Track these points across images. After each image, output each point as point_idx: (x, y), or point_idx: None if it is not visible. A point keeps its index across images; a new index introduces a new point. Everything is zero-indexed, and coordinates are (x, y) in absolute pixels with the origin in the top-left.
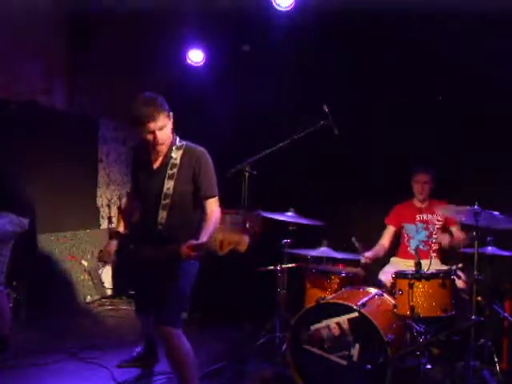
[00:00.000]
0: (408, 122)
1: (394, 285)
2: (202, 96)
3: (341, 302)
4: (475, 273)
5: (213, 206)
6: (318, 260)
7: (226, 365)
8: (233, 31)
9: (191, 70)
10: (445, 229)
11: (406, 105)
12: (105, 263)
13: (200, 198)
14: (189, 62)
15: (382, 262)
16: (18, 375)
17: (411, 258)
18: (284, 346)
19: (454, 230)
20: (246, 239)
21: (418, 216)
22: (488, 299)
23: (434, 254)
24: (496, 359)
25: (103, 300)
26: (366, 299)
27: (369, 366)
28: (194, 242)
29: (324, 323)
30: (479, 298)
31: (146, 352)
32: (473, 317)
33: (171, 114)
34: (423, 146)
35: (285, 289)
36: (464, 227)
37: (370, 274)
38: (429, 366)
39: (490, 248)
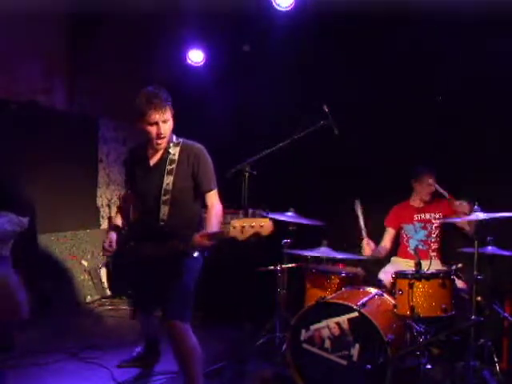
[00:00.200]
0: (408, 122)
1: (393, 285)
2: (201, 96)
3: (341, 301)
4: (475, 273)
5: (213, 199)
6: (318, 260)
7: (226, 365)
8: (233, 31)
9: (191, 70)
10: (442, 229)
11: (406, 105)
12: (107, 257)
13: (200, 194)
14: (189, 61)
15: (382, 261)
16: (19, 375)
17: (411, 258)
18: (284, 346)
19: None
20: (270, 222)
21: (415, 216)
22: (488, 299)
23: (434, 254)
24: (496, 359)
25: (103, 300)
26: (365, 299)
27: (369, 366)
28: (207, 231)
29: (324, 323)
30: (479, 298)
31: (146, 352)
32: (473, 317)
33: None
34: (423, 145)
35: (285, 289)
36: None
37: (370, 274)
38: (429, 366)
39: (489, 248)
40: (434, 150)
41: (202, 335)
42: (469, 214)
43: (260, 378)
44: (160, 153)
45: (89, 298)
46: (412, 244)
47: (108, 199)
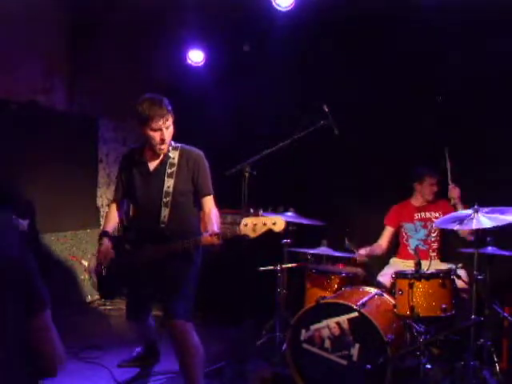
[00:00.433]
0: (408, 122)
1: (393, 285)
2: (201, 96)
3: (341, 301)
4: (475, 273)
5: (210, 204)
6: (318, 260)
7: (226, 365)
8: (233, 31)
9: (191, 70)
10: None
11: (406, 105)
12: (98, 268)
13: (198, 197)
14: (189, 61)
15: (381, 262)
16: None
17: (411, 258)
18: (284, 346)
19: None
20: (282, 219)
21: (416, 215)
22: (488, 299)
23: (434, 254)
24: (496, 359)
25: (103, 300)
26: (365, 299)
27: (369, 366)
28: (214, 230)
29: (324, 323)
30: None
31: (146, 352)
32: (472, 317)
33: None
34: (423, 145)
35: (285, 289)
36: None
37: (369, 274)
38: (429, 366)
39: (489, 248)
40: (434, 150)
41: (202, 335)
42: (457, 200)
43: (260, 378)
44: (160, 157)
45: (89, 298)
46: (412, 243)
47: (108, 199)
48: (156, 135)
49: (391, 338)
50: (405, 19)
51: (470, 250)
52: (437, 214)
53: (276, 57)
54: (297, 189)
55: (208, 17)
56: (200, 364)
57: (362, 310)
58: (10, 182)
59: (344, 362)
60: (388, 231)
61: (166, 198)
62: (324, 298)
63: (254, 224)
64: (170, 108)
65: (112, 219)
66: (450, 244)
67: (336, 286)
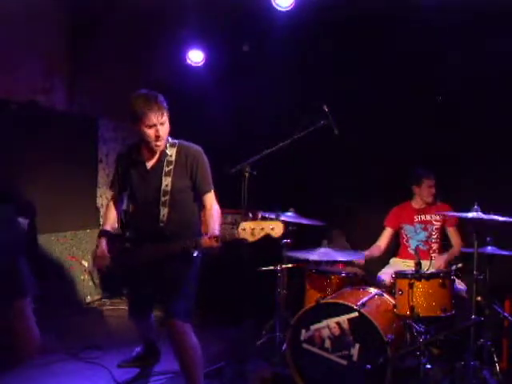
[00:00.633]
0: (408, 122)
1: (393, 285)
2: (201, 96)
3: (341, 301)
4: (475, 273)
5: (211, 200)
6: (318, 260)
7: (226, 365)
8: (233, 31)
9: (191, 70)
10: (443, 230)
11: (406, 105)
12: (101, 267)
13: (198, 195)
14: (189, 62)
15: (381, 262)
16: (19, 375)
17: (412, 258)
18: (284, 346)
19: (451, 231)
20: (281, 224)
21: (416, 217)
22: (488, 299)
23: (434, 254)
24: (496, 359)
25: (103, 300)
26: (365, 299)
27: (369, 366)
28: (213, 233)
29: (324, 323)
30: (479, 298)
31: (146, 352)
32: (473, 317)
33: None
34: (423, 145)
35: (285, 289)
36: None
37: (369, 274)
38: (429, 366)
39: (489, 248)
40: (434, 150)
41: (202, 335)
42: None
43: (260, 378)
44: (157, 155)
45: (89, 298)
46: (413, 244)
47: (108, 199)
48: (151, 132)
49: (391, 338)
50: (404, 19)
51: (470, 250)
52: (437, 217)
53: (276, 57)
54: (297, 189)
55: (208, 17)
56: (199, 364)
57: (361, 310)
58: (10, 182)
59: (344, 362)
60: (388, 232)
61: (164, 197)
62: (324, 298)
63: (252, 229)
64: (165, 104)
65: (111, 217)
66: (450, 244)
67: (336, 286)
